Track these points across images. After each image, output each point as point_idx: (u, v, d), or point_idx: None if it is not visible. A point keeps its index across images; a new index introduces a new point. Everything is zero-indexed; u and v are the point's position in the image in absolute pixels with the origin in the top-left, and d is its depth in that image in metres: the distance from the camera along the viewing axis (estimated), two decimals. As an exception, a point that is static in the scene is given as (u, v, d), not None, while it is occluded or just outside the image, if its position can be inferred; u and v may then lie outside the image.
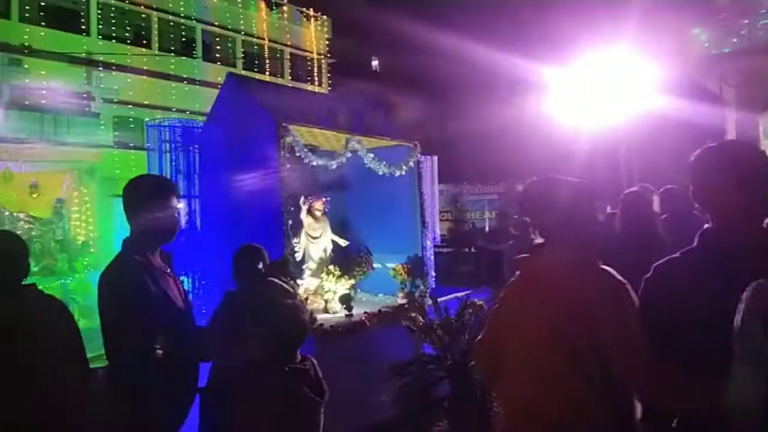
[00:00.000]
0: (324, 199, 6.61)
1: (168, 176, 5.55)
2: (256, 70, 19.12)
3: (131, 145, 16.46)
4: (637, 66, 10.45)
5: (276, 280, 3.96)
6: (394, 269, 6.71)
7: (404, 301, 6.68)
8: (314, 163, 5.56)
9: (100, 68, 15.22)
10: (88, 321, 8.74)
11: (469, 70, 17.51)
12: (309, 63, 20.32)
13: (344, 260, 6.88)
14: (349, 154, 5.77)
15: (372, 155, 6.03)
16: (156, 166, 5.64)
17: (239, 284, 3.92)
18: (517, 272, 2.22)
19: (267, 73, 19.22)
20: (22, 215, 13.57)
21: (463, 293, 6.51)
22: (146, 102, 16.42)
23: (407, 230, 6.91)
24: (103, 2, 15.65)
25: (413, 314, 5.81)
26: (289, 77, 19.85)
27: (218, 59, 18.29)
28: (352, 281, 6.65)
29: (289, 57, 20.01)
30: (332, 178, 6.99)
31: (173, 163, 5.63)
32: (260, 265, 4.04)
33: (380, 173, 6.25)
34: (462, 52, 15.93)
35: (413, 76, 20.76)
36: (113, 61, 15.56)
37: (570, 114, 11.08)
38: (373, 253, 7.03)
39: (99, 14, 15.58)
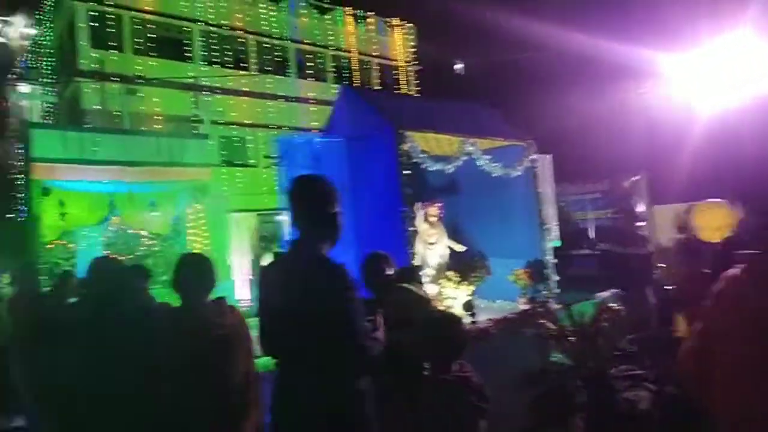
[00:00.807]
0: (438, 205, 6.49)
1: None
2: (345, 82, 19.46)
3: (236, 162, 17.27)
4: (757, 47, 9.46)
5: (409, 287, 3.85)
6: (514, 274, 6.44)
7: (527, 306, 6.39)
8: (430, 168, 5.46)
9: (206, 92, 16.08)
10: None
11: (564, 62, 16.82)
12: (396, 71, 20.42)
13: (459, 266, 6.70)
14: (464, 157, 5.61)
15: (488, 157, 5.83)
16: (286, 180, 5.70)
17: (371, 292, 3.83)
18: (735, 270, 1.94)
19: (357, 84, 19.52)
20: (143, 232, 14.63)
21: (595, 298, 6.13)
22: (247, 121, 17.15)
23: (524, 233, 6.63)
24: (204, 30, 16.56)
25: (542, 321, 5.52)
26: (379, 86, 20.03)
27: (310, 75, 18.81)
28: (472, 287, 6.45)
29: (377, 67, 20.22)
30: (443, 183, 6.85)
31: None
32: (389, 272, 3.95)
33: (495, 175, 6.03)
34: (555, 43, 15.32)
35: (501, 75, 20.23)
36: (217, 84, 16.40)
37: (683, 103, 10.26)
38: (489, 257, 6.79)
39: (201, 41, 16.50)
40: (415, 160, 5.23)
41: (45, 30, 16.98)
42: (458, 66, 24.41)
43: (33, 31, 17.67)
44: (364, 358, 2.14)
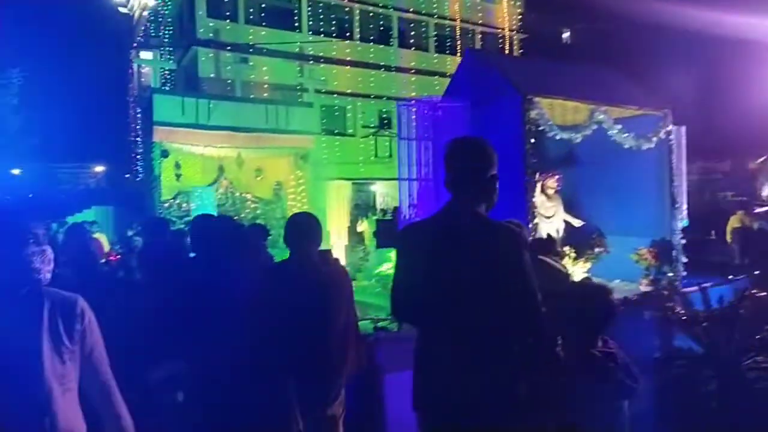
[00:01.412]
0: (557, 177, 6.18)
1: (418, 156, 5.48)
2: (447, 52, 19.06)
3: (336, 131, 17.54)
4: None
5: (547, 259, 3.69)
6: (638, 253, 6.03)
7: (649, 288, 5.99)
8: (557, 137, 5.18)
9: (311, 61, 16.35)
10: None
11: (675, 30, 15.38)
12: (501, 40, 19.68)
13: (575, 242, 6.38)
14: (594, 126, 5.27)
15: (619, 126, 5.43)
16: (405, 147, 5.63)
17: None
18: None
19: (458, 54, 19.04)
20: (248, 196, 15.31)
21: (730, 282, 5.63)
22: (348, 90, 17.28)
23: (651, 210, 6.16)
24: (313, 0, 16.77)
25: (670, 304, 5.15)
26: (481, 57, 19.48)
27: (412, 44, 18.58)
28: (588, 264, 6.14)
29: (480, 35, 19.59)
30: (561, 154, 6.50)
31: (421, 143, 5.56)
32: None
33: (626, 146, 5.61)
34: (667, 12, 14.03)
35: (611, 43, 18.88)
36: (321, 54, 16.62)
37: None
38: (609, 235, 6.41)
39: (309, 11, 16.72)
40: (541, 128, 4.97)
41: (165, 0, 17.91)
42: (565, 35, 23.12)
43: (153, 2, 18.72)
44: (539, 327, 2.02)
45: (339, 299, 2.96)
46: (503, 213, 4.47)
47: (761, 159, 13.42)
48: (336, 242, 12.48)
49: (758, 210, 11.70)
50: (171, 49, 17.85)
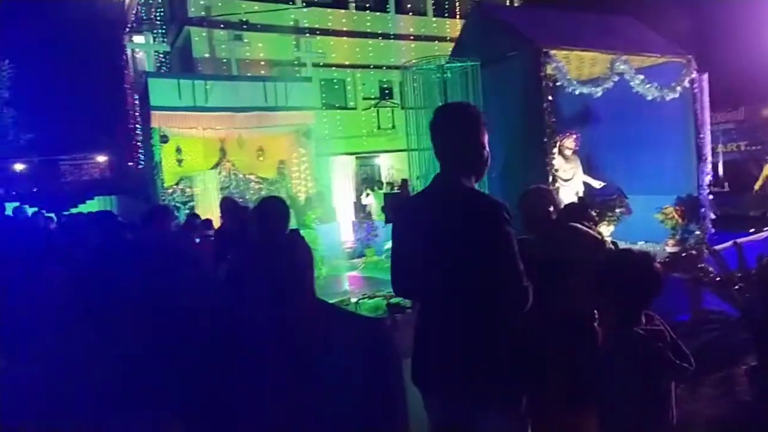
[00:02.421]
0: (575, 136, 5.78)
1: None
2: (446, 15, 18.39)
3: (337, 105, 17.05)
4: None
5: (580, 226, 3.33)
6: (663, 212, 5.66)
7: (675, 249, 5.64)
8: (576, 92, 4.77)
9: (307, 35, 15.76)
10: (329, 269, 9.19)
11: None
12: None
13: (596, 204, 6.01)
14: (615, 78, 4.85)
15: (641, 77, 5.01)
16: (412, 116, 5.25)
17: (534, 232, 3.35)
18: None
19: (457, 16, 18.37)
20: (252, 176, 14.97)
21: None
22: (347, 62, 16.75)
23: (675, 166, 5.77)
24: (304, -31, 16.10)
25: (701, 264, 4.81)
26: (480, 19, 18.79)
27: (409, 10, 17.90)
28: (611, 227, 5.79)
29: (480, -5, 18.87)
30: (577, 110, 6.09)
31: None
32: (551, 209, 3.45)
33: (648, 98, 5.19)
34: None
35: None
36: (317, 26, 16.03)
37: None
38: (630, 194, 6.03)
39: (301, -19, 16.08)
40: (559, 84, 4.56)
41: (154, -19, 17.31)
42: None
43: (143, -16, 18.12)
44: (522, 301, 1.91)
45: (300, 268, 3.15)
46: (521, 177, 4.12)
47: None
48: (342, 219, 12.13)
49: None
50: (164, 31, 17.31)
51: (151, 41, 17.52)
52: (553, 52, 4.47)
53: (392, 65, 17.42)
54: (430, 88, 4.99)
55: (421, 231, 2.01)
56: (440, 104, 5.08)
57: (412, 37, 17.65)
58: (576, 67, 5.32)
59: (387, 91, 18.03)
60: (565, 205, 3.67)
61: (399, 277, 2.15)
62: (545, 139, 4.54)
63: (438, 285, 1.98)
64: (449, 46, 17.18)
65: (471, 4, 18.58)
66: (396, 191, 11.02)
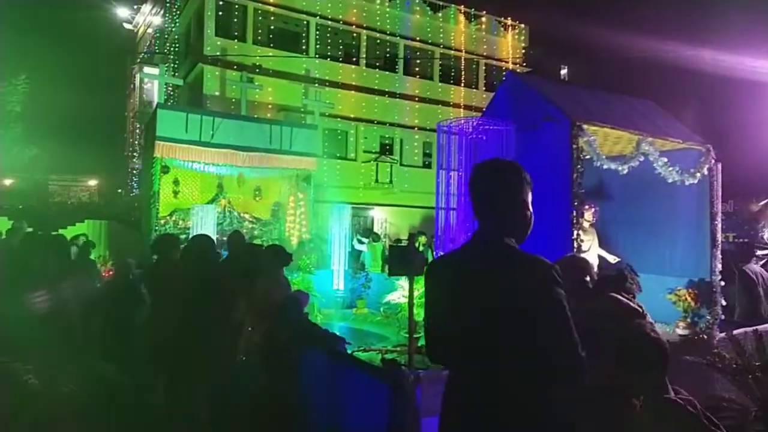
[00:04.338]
0: (594, 209, 5.81)
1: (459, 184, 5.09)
2: (452, 81, 18.95)
3: (338, 155, 17.19)
4: None
5: (619, 297, 3.28)
6: (676, 294, 5.62)
7: (686, 332, 5.58)
8: (604, 167, 4.83)
9: (317, 84, 16.08)
10: (323, 317, 8.92)
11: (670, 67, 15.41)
12: (504, 72, 19.67)
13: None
14: (641, 158, 4.93)
15: (664, 159, 5.10)
16: (443, 176, 5.22)
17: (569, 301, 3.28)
18: None
19: (462, 84, 18.95)
20: (247, 216, 14.78)
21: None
22: (352, 115, 17.03)
23: (688, 250, 5.78)
24: (320, 24, 16.57)
25: (716, 350, 4.73)
26: (483, 87, 19.35)
27: (417, 73, 18.43)
28: (622, 303, 5.72)
29: (484, 67, 19.54)
30: (594, 185, 6.15)
31: (459, 168, 5.17)
32: (587, 278, 3.41)
33: (669, 181, 5.27)
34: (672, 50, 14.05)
35: (604, 82, 18.94)
36: (327, 77, 16.38)
37: None
38: (642, 273, 6.00)
39: (317, 35, 16.51)
40: (588, 157, 4.62)
41: (174, 17, 17.63)
42: (563, 71, 23.21)
43: (159, 20, 18.45)
44: (579, 373, 1.79)
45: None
46: (547, 246, 4.06)
47: (763, 201, 13.12)
48: (336, 268, 11.84)
49: (759, 253, 11.39)
50: (175, 65, 17.50)
51: (164, 73, 17.70)
52: (585, 126, 4.53)
53: (395, 122, 17.79)
54: (464, 144, 5.00)
55: (463, 293, 1.87)
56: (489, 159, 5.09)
57: (416, 98, 18.12)
58: (600, 144, 5.41)
59: (387, 147, 18.30)
60: (604, 275, 3.61)
61: (437, 344, 1.99)
62: (572, 210, 4.54)
63: (482, 353, 1.83)
64: (451, 111, 17.78)
65: (474, 73, 19.25)
66: (403, 245, 10.87)
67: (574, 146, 4.47)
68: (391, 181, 17.37)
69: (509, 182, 1.95)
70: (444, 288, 1.97)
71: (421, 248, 10.69)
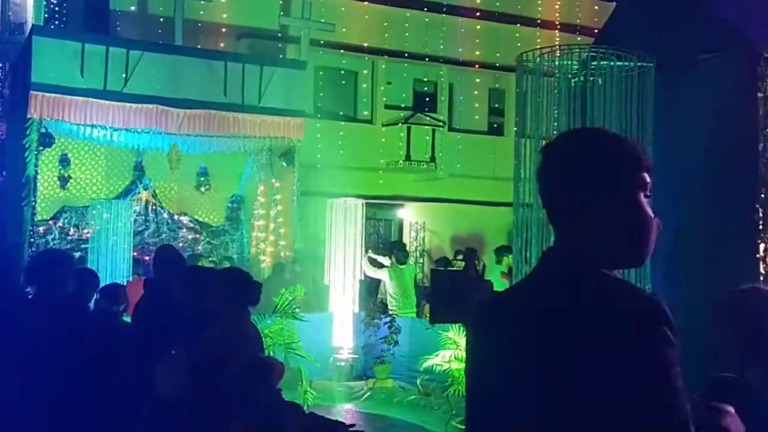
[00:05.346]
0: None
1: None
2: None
3: (341, 113, 17.32)
4: None
5: None
6: None
7: None
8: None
9: (305, -9, 16.11)
10: (315, 396, 9.05)
11: None
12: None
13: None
14: None
15: None
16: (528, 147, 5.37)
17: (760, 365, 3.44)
18: None
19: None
20: (184, 219, 14.94)
21: None
22: (365, 44, 17.15)
23: None
24: None
25: None
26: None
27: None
28: None
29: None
30: None
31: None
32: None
33: None
34: None
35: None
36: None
37: None
38: None
39: None
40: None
41: None
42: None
43: None
44: None
45: None
46: (720, 256, 4.11)
47: None
48: (339, 308, 11.69)
49: None
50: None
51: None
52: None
53: (439, 56, 17.90)
54: (557, 97, 5.09)
55: (525, 351, 1.98)
56: (574, 128, 5.14)
57: (478, 14, 18.20)
58: None
59: (427, 99, 18.42)
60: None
61: (486, 422, 2.12)
62: (759, 205, 4.60)
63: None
64: (539, 35, 17.80)
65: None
66: (453, 268, 10.89)
67: (761, 95, 4.53)
68: (432, 159, 17.45)
69: (606, 173, 2.00)
70: (498, 346, 2.08)
71: (490, 275, 10.70)
